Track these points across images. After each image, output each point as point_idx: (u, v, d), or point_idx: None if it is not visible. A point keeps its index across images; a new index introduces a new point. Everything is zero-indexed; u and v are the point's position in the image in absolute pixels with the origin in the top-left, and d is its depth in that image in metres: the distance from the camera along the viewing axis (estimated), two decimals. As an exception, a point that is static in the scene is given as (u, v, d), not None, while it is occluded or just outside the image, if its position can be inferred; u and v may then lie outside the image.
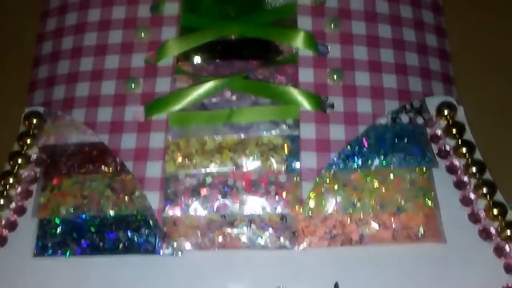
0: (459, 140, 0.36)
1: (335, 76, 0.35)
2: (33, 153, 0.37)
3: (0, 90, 0.41)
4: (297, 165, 0.33)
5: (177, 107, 0.34)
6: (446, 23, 0.40)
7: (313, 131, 0.33)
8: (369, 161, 0.34)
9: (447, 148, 0.36)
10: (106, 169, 0.34)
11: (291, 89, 0.34)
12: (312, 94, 0.34)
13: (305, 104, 0.34)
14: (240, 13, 0.37)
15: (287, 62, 0.35)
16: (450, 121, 0.37)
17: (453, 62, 0.39)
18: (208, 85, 0.34)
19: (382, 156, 0.34)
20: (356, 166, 0.34)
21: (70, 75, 0.36)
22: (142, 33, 0.36)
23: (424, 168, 0.34)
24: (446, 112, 0.37)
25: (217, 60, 0.36)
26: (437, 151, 0.36)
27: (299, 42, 0.35)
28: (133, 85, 0.35)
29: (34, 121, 0.37)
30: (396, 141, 0.34)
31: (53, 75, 0.37)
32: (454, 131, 0.36)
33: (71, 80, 0.36)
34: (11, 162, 0.36)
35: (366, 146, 0.34)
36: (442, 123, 0.37)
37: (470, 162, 0.35)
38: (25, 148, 0.36)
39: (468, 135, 0.36)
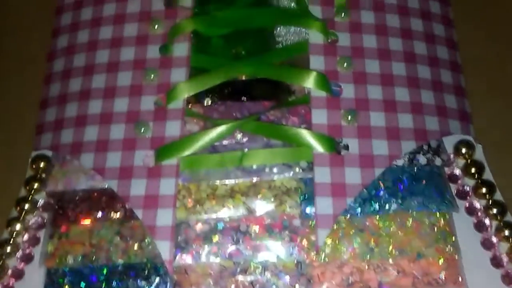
0: (479, 180, 0.35)
1: (349, 117, 0.34)
2: (41, 199, 0.36)
3: (7, 133, 0.40)
4: (312, 209, 0.32)
5: (188, 152, 0.33)
6: (461, 57, 0.39)
7: (328, 174, 0.32)
8: (387, 205, 0.33)
9: (466, 188, 0.35)
10: (115, 215, 0.33)
11: (303, 131, 0.33)
12: (325, 136, 0.33)
13: (319, 147, 0.33)
14: (251, 53, 0.37)
15: (300, 103, 0.34)
16: (469, 160, 0.35)
17: (469, 99, 0.38)
18: (220, 130, 0.33)
19: (400, 200, 0.33)
20: (373, 211, 0.33)
21: (79, 118, 0.36)
22: (152, 75, 0.35)
23: (444, 211, 0.33)
24: (464, 150, 0.36)
25: (228, 101, 0.36)
26: (455, 192, 0.35)
27: (311, 83, 0.34)
28: (142, 129, 0.34)
29: (42, 164, 0.36)
30: (414, 184, 0.33)
31: (61, 118, 0.36)
32: (473, 170, 0.35)
33: (79, 123, 0.35)
34: (18, 208, 0.35)
35: (383, 189, 0.33)
36: (460, 162, 0.36)
37: (490, 203, 0.34)
38: (32, 193, 0.35)
39: (488, 175, 0.35)
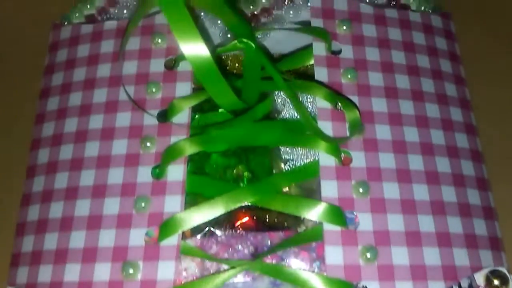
0: (515, 318, 0.31)
1: (368, 255, 0.29)
2: None
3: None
4: None
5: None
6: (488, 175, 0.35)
7: (345, 326, 0.28)
8: None
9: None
10: None
11: (317, 277, 0.29)
12: (342, 281, 0.29)
13: (334, 294, 0.28)
14: (254, 174, 0.33)
15: (310, 240, 0.30)
16: (503, 294, 0.31)
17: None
18: (223, 277, 0.29)
19: None
20: None
21: (58, 252, 0.31)
22: (143, 203, 0.31)
23: None
24: (496, 282, 0.31)
25: (228, 231, 0.31)
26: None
27: (323, 216, 0.30)
28: (131, 270, 0.29)
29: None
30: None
31: (39, 250, 0.32)
32: (508, 307, 0.31)
33: (59, 258, 0.31)
34: None
35: None
36: (493, 296, 0.32)
37: None
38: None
39: (524, 310, 0.31)
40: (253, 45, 0.33)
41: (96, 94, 0.35)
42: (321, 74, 0.34)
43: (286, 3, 0.43)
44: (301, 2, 0.43)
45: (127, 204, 0.31)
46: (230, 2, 0.34)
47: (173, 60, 0.35)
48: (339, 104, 0.33)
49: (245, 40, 0.33)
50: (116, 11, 0.43)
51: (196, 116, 0.35)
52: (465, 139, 0.35)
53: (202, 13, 0.39)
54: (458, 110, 0.36)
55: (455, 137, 0.35)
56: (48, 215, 0.33)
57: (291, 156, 0.34)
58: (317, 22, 0.36)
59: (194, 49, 0.28)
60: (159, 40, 0.36)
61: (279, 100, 0.36)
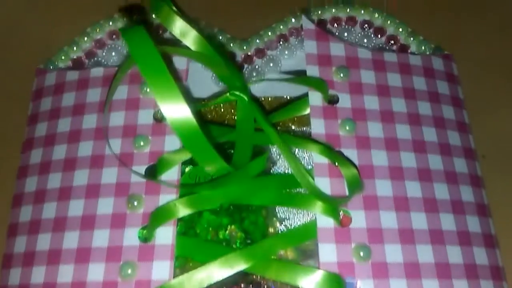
0: None
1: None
2: None
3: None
4: None
5: None
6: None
7: None
8: None
9: None
10: None
11: None
12: None
13: None
14: (248, 234, 0.31)
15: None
16: None
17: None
18: None
19: None
20: None
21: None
22: (129, 270, 0.29)
23: None
24: None
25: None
26: None
27: (322, 285, 0.28)
28: None
29: None
30: None
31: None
32: None
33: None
34: None
35: None
36: None
37: None
38: None
39: None
40: (245, 98, 0.31)
41: (81, 147, 0.34)
42: (317, 126, 0.33)
43: (280, 43, 0.42)
44: (296, 42, 0.42)
45: (112, 270, 0.30)
46: (221, 52, 0.33)
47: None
48: (336, 162, 0.31)
49: (237, 92, 0.31)
50: (104, 53, 0.41)
51: (187, 169, 0.33)
52: (470, 192, 0.33)
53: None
54: (463, 162, 0.34)
55: (459, 190, 0.33)
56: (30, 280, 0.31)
57: (287, 215, 0.32)
58: (312, 69, 0.34)
59: (175, 111, 0.26)
60: (148, 90, 0.34)
61: (274, 150, 0.34)
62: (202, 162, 0.29)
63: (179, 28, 0.32)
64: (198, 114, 0.35)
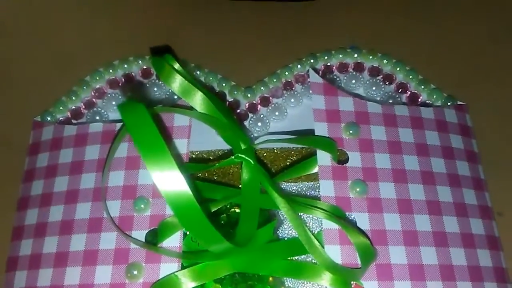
0: None
1: None
2: None
3: None
4: None
5: None
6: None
7: None
8: None
9: None
10: None
11: None
12: None
13: None
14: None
15: None
16: None
17: None
18: None
19: None
20: None
21: None
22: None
23: None
24: None
25: None
26: None
27: None
28: None
29: None
30: None
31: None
32: None
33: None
34: None
35: None
36: None
37: None
38: None
39: None
40: (251, 161, 0.30)
41: (79, 209, 0.32)
42: (327, 188, 0.31)
43: (285, 90, 0.40)
44: (302, 89, 0.40)
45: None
46: (226, 112, 0.31)
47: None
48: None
49: (242, 156, 0.30)
50: (103, 103, 0.40)
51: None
52: (487, 254, 0.32)
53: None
54: (480, 222, 0.32)
55: (477, 254, 0.31)
56: None
57: (295, 285, 0.30)
58: (321, 127, 0.33)
59: (172, 186, 0.24)
60: (148, 148, 0.33)
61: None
62: (202, 240, 0.27)
63: (181, 86, 0.31)
64: (202, 174, 0.34)
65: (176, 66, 0.32)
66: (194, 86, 0.31)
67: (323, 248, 0.29)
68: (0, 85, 0.43)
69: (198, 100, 0.31)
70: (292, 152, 0.36)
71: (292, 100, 0.40)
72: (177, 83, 0.31)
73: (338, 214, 0.30)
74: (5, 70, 0.44)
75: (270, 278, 0.30)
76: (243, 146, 0.31)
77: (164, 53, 0.32)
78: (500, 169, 0.37)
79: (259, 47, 0.44)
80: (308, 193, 0.34)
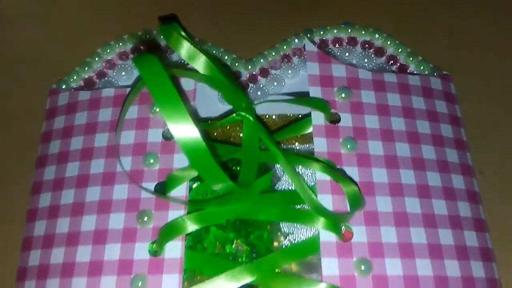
0: None
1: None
2: None
3: None
4: None
5: None
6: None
7: None
8: None
9: None
10: None
11: None
12: None
13: None
14: (254, 248, 0.32)
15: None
16: None
17: None
18: None
19: None
20: None
21: None
22: (140, 282, 0.31)
23: None
24: None
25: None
26: None
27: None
28: None
29: None
30: None
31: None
32: None
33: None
34: None
35: None
36: None
37: None
38: None
39: None
40: (251, 118, 0.33)
41: (93, 164, 0.35)
42: (320, 144, 0.34)
43: (283, 62, 0.43)
44: (299, 62, 0.43)
45: (124, 284, 0.31)
46: (227, 74, 0.34)
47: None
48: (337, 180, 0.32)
49: (243, 113, 0.33)
50: (114, 73, 0.43)
51: (194, 185, 0.35)
52: (467, 207, 0.35)
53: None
54: (460, 178, 0.35)
55: (458, 207, 0.34)
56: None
57: (291, 230, 0.33)
58: (315, 90, 0.36)
59: (184, 131, 0.27)
60: (157, 110, 0.36)
61: (278, 166, 0.36)
62: (209, 180, 0.30)
63: (187, 51, 0.34)
64: (205, 133, 0.37)
65: (183, 33, 0.34)
66: (199, 51, 0.34)
67: (316, 197, 0.32)
68: (16, 61, 0.47)
69: (202, 64, 0.34)
70: (290, 120, 0.39)
71: (290, 71, 0.42)
72: (184, 48, 0.34)
73: (330, 166, 0.33)
74: (21, 49, 0.48)
75: (268, 226, 0.33)
76: (243, 105, 0.34)
77: (171, 22, 0.35)
78: (483, 131, 0.40)
79: (259, 23, 0.47)
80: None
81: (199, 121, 0.39)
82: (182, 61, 0.40)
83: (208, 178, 0.30)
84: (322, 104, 0.35)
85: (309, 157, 0.33)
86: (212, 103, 0.40)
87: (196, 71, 0.34)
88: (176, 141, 0.28)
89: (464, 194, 0.35)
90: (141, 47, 0.44)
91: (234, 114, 0.33)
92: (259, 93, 0.41)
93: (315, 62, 0.37)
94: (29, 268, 0.33)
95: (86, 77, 0.42)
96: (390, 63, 0.42)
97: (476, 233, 0.34)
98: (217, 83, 0.34)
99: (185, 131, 0.27)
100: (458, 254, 0.32)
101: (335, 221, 0.31)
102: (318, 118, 0.35)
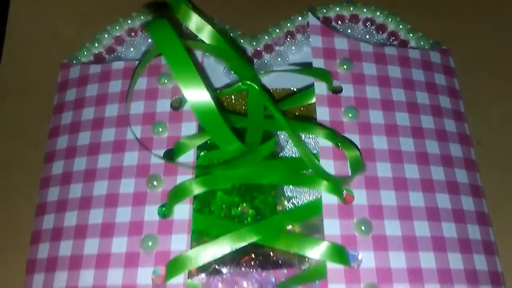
0: None
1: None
2: None
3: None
4: None
5: None
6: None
7: None
8: None
9: None
10: None
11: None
12: None
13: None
14: (259, 211, 0.34)
15: (314, 277, 0.31)
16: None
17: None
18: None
19: None
20: None
21: None
22: (150, 242, 0.32)
23: None
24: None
25: (233, 269, 0.32)
26: None
27: (326, 255, 0.31)
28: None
29: None
30: None
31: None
32: None
33: None
34: None
35: None
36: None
37: None
38: None
39: None
40: (256, 87, 0.34)
41: (105, 133, 0.37)
42: (322, 113, 0.35)
43: (287, 39, 0.44)
44: (303, 39, 0.44)
45: (134, 243, 0.32)
46: (233, 45, 0.36)
47: (179, 100, 0.36)
48: (340, 144, 0.33)
49: (248, 82, 0.34)
50: (123, 49, 0.44)
51: (202, 153, 0.36)
52: (465, 174, 0.36)
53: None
54: (458, 147, 0.37)
55: (455, 173, 0.35)
56: (58, 253, 0.34)
57: (294, 194, 0.34)
58: (318, 62, 0.37)
59: (196, 95, 0.29)
60: (165, 81, 0.37)
61: (282, 136, 0.37)
62: (219, 142, 0.31)
63: (195, 23, 0.35)
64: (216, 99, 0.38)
65: (191, 7, 0.36)
66: (206, 23, 0.35)
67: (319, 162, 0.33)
68: (27, 38, 0.48)
69: (209, 35, 0.35)
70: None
71: (293, 47, 0.44)
72: (193, 21, 0.35)
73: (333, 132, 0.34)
74: (32, 27, 0.49)
75: (272, 191, 0.35)
76: (249, 75, 0.35)
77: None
78: (479, 104, 0.41)
79: (264, 2, 0.49)
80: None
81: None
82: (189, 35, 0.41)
83: (218, 139, 0.31)
84: (324, 74, 0.36)
85: (312, 124, 0.34)
86: (217, 77, 0.41)
87: (203, 42, 0.36)
88: (189, 105, 0.29)
89: (462, 162, 0.36)
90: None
91: (239, 83, 0.34)
92: (263, 68, 0.42)
93: (318, 35, 0.38)
94: (38, 260, 0.34)
95: (96, 52, 0.44)
96: (391, 39, 0.44)
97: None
98: (223, 53, 0.35)
99: (198, 95, 0.29)
100: (456, 217, 0.34)
101: (337, 184, 0.32)
102: (320, 88, 0.36)
